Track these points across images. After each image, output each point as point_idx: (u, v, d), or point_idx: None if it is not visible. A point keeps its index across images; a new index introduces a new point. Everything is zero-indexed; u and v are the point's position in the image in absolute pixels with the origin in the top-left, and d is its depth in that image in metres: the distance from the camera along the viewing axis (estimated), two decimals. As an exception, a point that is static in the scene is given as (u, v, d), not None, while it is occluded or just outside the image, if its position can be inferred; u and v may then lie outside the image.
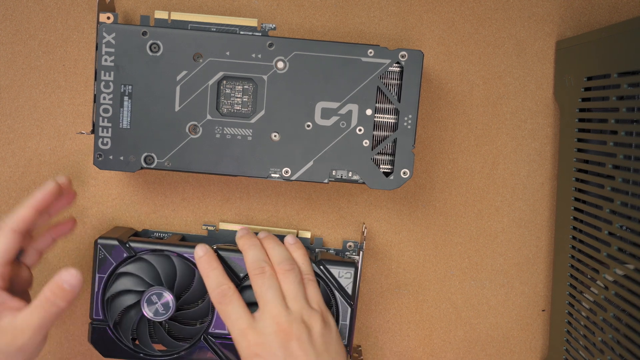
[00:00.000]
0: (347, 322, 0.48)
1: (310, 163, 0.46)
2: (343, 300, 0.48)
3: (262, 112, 0.46)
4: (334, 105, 0.46)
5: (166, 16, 0.46)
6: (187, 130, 0.46)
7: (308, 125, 0.46)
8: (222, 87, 0.46)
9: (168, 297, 0.47)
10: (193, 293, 0.48)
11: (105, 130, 0.45)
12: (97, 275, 0.47)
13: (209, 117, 0.45)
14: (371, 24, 0.52)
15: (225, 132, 0.46)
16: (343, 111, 0.46)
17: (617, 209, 0.42)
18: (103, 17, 0.45)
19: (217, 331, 0.48)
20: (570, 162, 0.49)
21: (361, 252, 0.50)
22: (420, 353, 0.55)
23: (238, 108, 0.46)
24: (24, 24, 0.51)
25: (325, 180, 0.46)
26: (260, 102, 0.46)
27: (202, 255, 0.46)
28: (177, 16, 0.46)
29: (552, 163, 0.53)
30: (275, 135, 0.46)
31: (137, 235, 0.52)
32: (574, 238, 0.49)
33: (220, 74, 0.45)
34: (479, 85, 0.53)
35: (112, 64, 0.45)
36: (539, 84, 0.53)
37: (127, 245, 0.47)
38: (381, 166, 0.46)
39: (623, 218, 0.41)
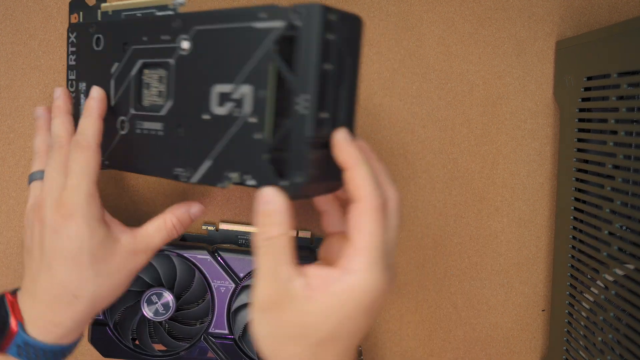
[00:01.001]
0: (347, 322, 0.48)
1: (209, 162, 0.36)
2: (343, 300, 0.48)
3: (171, 103, 0.38)
4: (228, 88, 0.34)
5: (109, 8, 0.44)
6: (117, 127, 0.41)
7: (206, 116, 0.36)
8: (143, 77, 0.40)
9: (168, 297, 0.47)
10: (193, 293, 0.48)
11: None
12: (97, 275, 0.47)
13: (132, 111, 0.40)
14: (371, 24, 0.52)
15: (143, 126, 0.40)
16: (237, 95, 0.34)
17: (617, 209, 0.42)
18: (73, 19, 0.44)
19: (217, 331, 0.48)
20: (570, 162, 0.49)
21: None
22: (420, 353, 0.55)
23: (155, 99, 0.39)
24: (24, 24, 0.51)
25: (224, 185, 0.35)
26: (171, 91, 0.38)
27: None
28: (111, 7, 0.43)
29: (552, 163, 0.53)
30: (180, 130, 0.37)
31: (137, 235, 0.52)
32: (574, 238, 0.49)
33: (139, 63, 0.39)
34: (479, 85, 0.53)
35: (75, 63, 0.43)
36: (538, 84, 0.53)
37: (127, 245, 0.47)
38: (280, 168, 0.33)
39: (623, 218, 0.41)
